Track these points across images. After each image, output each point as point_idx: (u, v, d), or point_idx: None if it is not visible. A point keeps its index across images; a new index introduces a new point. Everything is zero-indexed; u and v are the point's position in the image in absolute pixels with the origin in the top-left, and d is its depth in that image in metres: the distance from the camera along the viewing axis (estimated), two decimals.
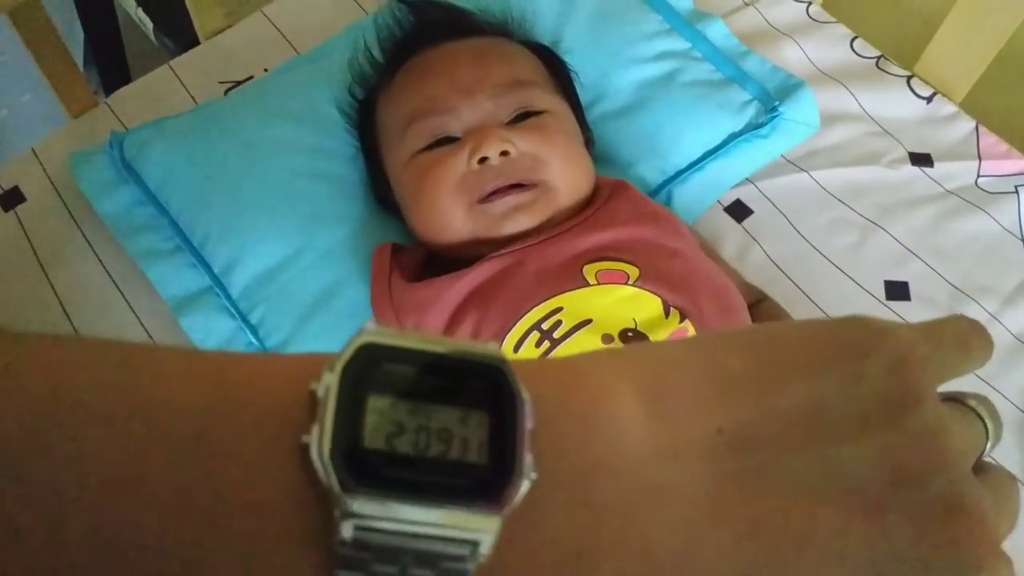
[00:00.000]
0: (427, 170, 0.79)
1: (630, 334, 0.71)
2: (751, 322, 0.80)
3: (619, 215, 0.80)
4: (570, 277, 0.74)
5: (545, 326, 0.71)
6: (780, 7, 1.13)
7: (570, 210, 0.80)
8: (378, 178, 0.88)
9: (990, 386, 0.88)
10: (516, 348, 0.71)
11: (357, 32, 1.02)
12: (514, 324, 0.72)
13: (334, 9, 1.11)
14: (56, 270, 0.93)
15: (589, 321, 0.71)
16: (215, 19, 1.08)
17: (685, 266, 0.78)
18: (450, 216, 0.78)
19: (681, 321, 0.72)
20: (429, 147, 0.80)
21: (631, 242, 0.77)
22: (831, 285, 0.94)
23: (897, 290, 0.94)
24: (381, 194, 0.88)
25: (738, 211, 0.98)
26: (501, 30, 0.93)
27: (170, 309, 0.88)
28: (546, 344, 0.71)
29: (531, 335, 0.71)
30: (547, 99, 0.82)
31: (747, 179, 0.99)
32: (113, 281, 0.92)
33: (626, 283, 0.73)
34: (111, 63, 1.85)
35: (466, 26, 0.89)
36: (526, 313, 0.72)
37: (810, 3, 1.14)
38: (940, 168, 1.01)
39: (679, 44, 1.01)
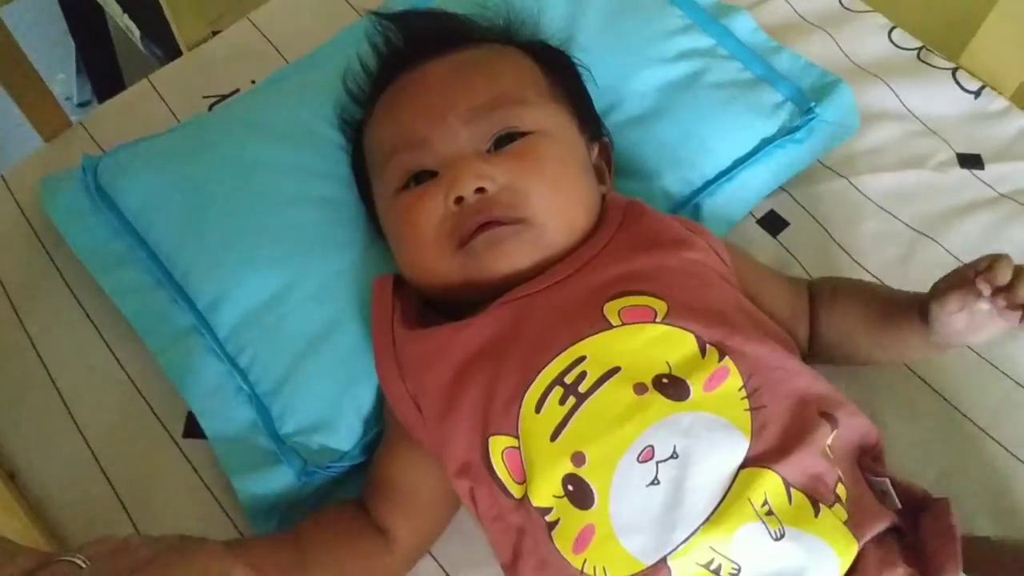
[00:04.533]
0: (407, 212, 0.72)
1: (665, 380, 0.62)
2: (788, 342, 0.72)
3: (637, 242, 0.71)
4: (590, 318, 0.65)
5: (568, 379, 0.63)
6: None
7: (568, 244, 0.72)
8: (373, 211, 0.80)
9: None
10: (538, 407, 0.63)
11: (348, 39, 0.94)
12: (533, 379, 0.64)
13: (324, 13, 1.03)
14: (29, 310, 0.86)
15: (617, 369, 0.63)
16: (197, 29, 1.00)
17: (715, 293, 0.69)
18: (435, 262, 0.71)
19: (720, 359, 0.64)
20: (407, 184, 0.73)
21: (653, 271, 0.69)
22: None
23: None
24: (379, 229, 0.80)
25: (773, 223, 0.90)
26: (500, 34, 0.84)
27: (151, 352, 0.80)
28: (571, 400, 0.62)
29: (553, 391, 0.63)
30: (536, 116, 0.74)
31: (781, 187, 0.91)
32: (91, 320, 0.85)
33: (654, 320, 0.65)
34: (103, 72, 1.78)
35: (455, 36, 0.80)
36: (546, 365, 0.64)
37: None
38: (991, 170, 0.93)
39: (703, 41, 0.92)
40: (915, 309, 0.69)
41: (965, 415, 0.80)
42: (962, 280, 0.65)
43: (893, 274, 0.86)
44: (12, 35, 0.88)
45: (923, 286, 0.84)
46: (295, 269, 0.80)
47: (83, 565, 0.50)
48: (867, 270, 0.87)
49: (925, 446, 0.78)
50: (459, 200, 0.70)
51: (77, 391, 0.82)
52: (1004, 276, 0.63)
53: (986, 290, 0.63)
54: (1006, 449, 0.78)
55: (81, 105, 1.93)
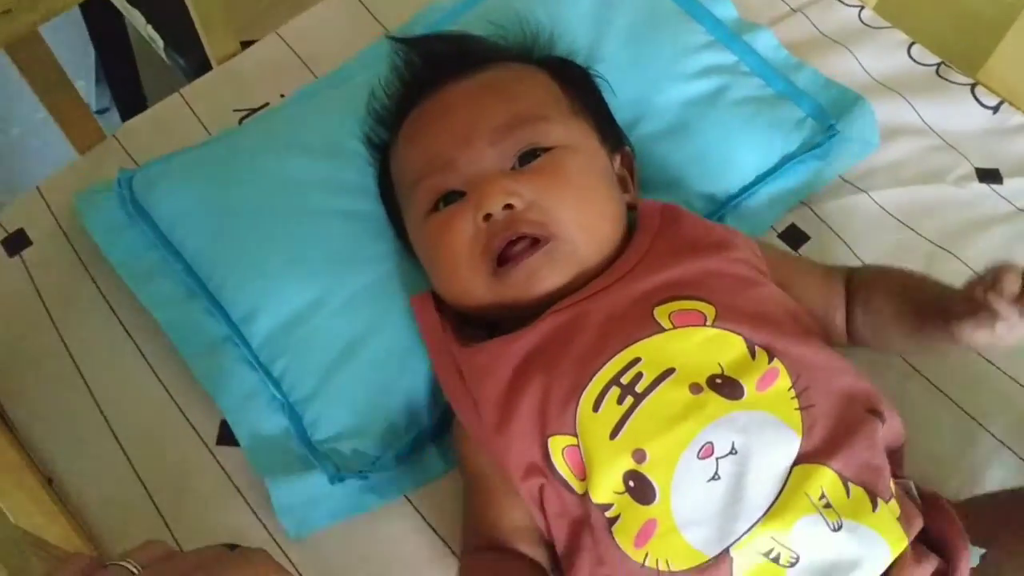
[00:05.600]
0: (438, 234, 0.74)
1: (719, 380, 0.64)
2: (826, 341, 0.73)
3: (678, 246, 0.73)
4: (642, 323, 0.67)
5: (625, 380, 0.65)
6: (830, 12, 1.05)
7: (598, 256, 0.73)
8: (403, 233, 0.82)
9: None
10: (596, 406, 0.65)
11: (375, 54, 0.96)
12: (589, 380, 0.66)
13: (352, 28, 1.05)
14: (65, 320, 0.87)
15: (672, 370, 0.65)
16: (227, 43, 1.02)
17: (760, 294, 0.71)
18: (470, 284, 0.73)
19: (770, 361, 0.66)
20: (435, 206, 0.75)
21: (700, 276, 0.71)
22: None
23: None
24: (409, 248, 0.82)
25: (794, 237, 0.91)
26: (517, 52, 0.86)
27: (185, 361, 0.82)
28: (629, 400, 0.64)
29: (611, 390, 0.65)
30: (558, 131, 0.75)
31: (802, 201, 0.92)
32: (126, 330, 0.86)
33: (704, 324, 0.67)
34: (123, 80, 1.80)
35: (474, 57, 0.82)
36: (601, 367, 0.66)
37: (862, 7, 1.06)
38: (1010, 184, 0.94)
39: (726, 57, 0.94)
40: (943, 319, 0.68)
41: (986, 428, 0.81)
42: (975, 305, 0.64)
43: None
44: (49, 49, 0.90)
45: None
46: (327, 282, 0.81)
47: (135, 571, 0.52)
48: None
49: (945, 458, 0.79)
50: (488, 217, 0.71)
51: (113, 399, 0.84)
52: (1012, 287, 0.62)
53: (1000, 307, 0.62)
54: None
55: (99, 112, 1.95)
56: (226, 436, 0.81)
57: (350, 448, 0.78)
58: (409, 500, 0.79)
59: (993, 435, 0.80)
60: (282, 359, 0.80)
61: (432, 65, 0.83)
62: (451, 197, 0.74)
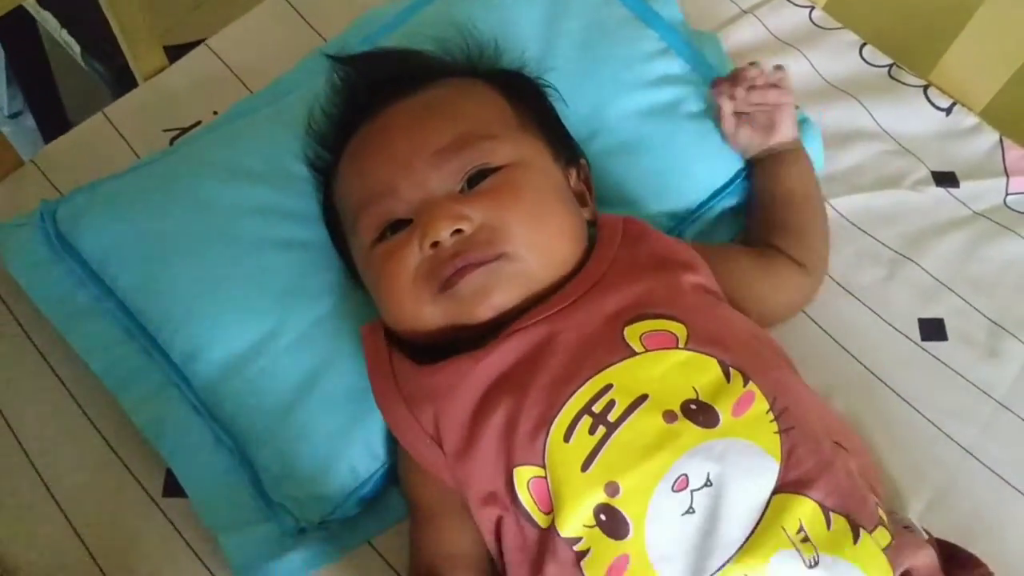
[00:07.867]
0: (383, 265, 0.70)
1: (693, 406, 0.63)
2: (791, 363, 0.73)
3: (642, 261, 0.71)
4: (612, 346, 0.65)
5: (596, 408, 0.63)
6: (781, 14, 1.03)
7: (554, 275, 0.70)
8: (350, 263, 0.77)
9: None
10: (567, 437, 0.62)
11: (312, 67, 0.90)
12: (560, 409, 0.63)
13: (287, 36, 0.99)
14: None
15: (646, 397, 0.63)
16: (152, 56, 0.95)
17: (726, 314, 0.70)
18: (417, 311, 0.69)
19: (745, 384, 0.64)
20: (382, 235, 0.71)
21: (668, 293, 0.69)
22: (861, 328, 0.86)
23: (932, 329, 0.86)
24: (357, 279, 0.78)
25: None
26: (462, 66, 0.82)
27: (125, 408, 0.77)
28: (601, 430, 0.62)
29: (582, 420, 0.63)
30: (507, 149, 0.72)
31: None
32: (58, 377, 0.81)
33: (676, 346, 0.65)
34: (37, 81, 1.70)
35: (415, 76, 0.77)
36: (572, 395, 0.63)
37: (812, 8, 1.04)
38: (966, 188, 0.93)
39: (678, 66, 0.91)
40: None
41: (951, 437, 0.81)
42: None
43: (876, 296, 0.87)
44: None
45: (905, 308, 0.86)
46: (274, 317, 0.77)
47: None
48: (850, 292, 0.87)
49: (915, 469, 0.79)
50: (435, 245, 0.68)
51: (48, 454, 0.78)
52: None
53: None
54: (991, 469, 0.79)
55: (12, 116, 1.84)
56: (173, 487, 0.76)
57: (308, 495, 0.74)
58: (373, 547, 0.75)
59: (959, 444, 0.80)
60: (229, 402, 0.76)
61: (371, 86, 0.79)
62: (398, 226, 0.70)
